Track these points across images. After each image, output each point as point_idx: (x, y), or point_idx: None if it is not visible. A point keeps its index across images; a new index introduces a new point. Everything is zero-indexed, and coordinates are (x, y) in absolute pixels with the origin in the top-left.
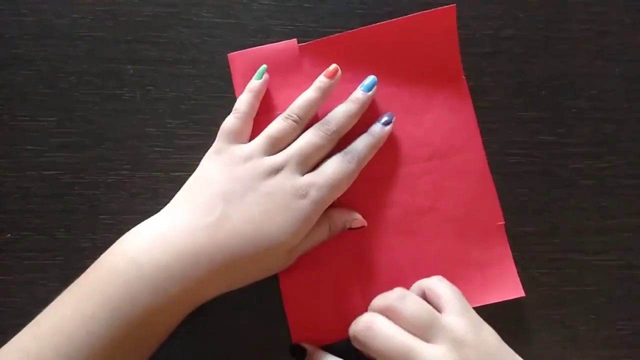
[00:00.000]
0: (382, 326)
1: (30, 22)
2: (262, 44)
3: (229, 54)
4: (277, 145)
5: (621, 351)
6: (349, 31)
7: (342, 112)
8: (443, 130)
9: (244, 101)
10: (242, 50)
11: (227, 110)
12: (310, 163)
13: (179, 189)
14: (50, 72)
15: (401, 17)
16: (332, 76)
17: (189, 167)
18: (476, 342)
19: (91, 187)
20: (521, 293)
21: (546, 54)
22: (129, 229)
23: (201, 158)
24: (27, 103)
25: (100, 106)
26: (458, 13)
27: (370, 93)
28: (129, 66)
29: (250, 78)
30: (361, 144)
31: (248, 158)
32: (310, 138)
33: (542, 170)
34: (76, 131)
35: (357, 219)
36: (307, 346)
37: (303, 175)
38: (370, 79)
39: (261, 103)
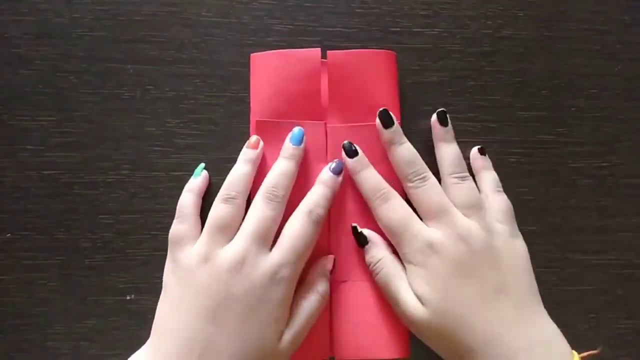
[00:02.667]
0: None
1: (30, 22)
2: (262, 44)
3: (251, 54)
4: (227, 232)
5: (621, 351)
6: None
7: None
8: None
9: (185, 203)
10: (264, 52)
11: (227, 109)
12: (271, 236)
13: (179, 188)
14: (50, 71)
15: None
16: (255, 147)
17: (189, 167)
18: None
19: (91, 187)
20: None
21: (546, 53)
22: (129, 228)
23: (201, 157)
24: (27, 103)
25: (100, 106)
26: (458, 12)
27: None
28: (129, 65)
29: (269, 80)
30: (319, 197)
31: (204, 259)
32: (262, 212)
33: (541, 170)
34: (76, 131)
35: (329, 259)
36: (369, 234)
37: (269, 250)
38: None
39: (275, 109)
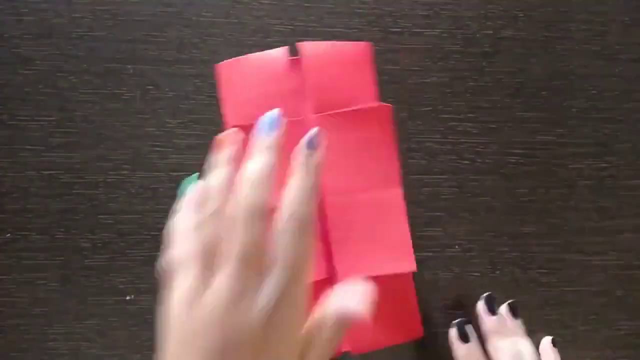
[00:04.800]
0: None
1: (30, 22)
2: (262, 44)
3: (215, 65)
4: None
5: (621, 351)
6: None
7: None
8: (365, 163)
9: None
10: (228, 60)
11: None
12: (262, 256)
13: (179, 188)
14: (50, 71)
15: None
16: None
17: (189, 167)
18: None
19: (91, 187)
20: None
21: (546, 54)
22: (129, 228)
23: (201, 158)
24: (27, 103)
25: (99, 106)
26: (459, 13)
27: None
28: (129, 66)
29: (238, 87)
30: (299, 192)
31: (192, 296)
32: (245, 237)
33: (541, 171)
34: (76, 131)
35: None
36: None
37: (263, 272)
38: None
39: (249, 115)
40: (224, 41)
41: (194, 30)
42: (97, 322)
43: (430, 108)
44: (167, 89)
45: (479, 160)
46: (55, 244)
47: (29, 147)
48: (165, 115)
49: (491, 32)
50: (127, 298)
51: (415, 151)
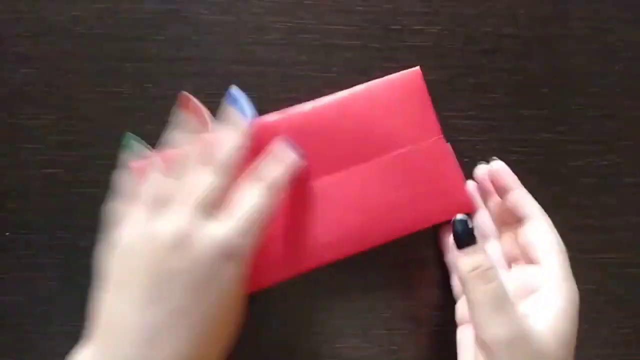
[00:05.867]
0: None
1: (29, 20)
2: (262, 42)
3: None
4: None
5: (621, 350)
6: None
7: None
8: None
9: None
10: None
11: None
12: (216, 206)
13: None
14: (50, 70)
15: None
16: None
17: None
18: None
19: (90, 185)
20: (469, 208)
21: (546, 52)
22: None
23: None
24: (27, 101)
25: (99, 104)
26: (459, 10)
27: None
28: (128, 64)
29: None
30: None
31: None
32: (200, 178)
33: (542, 168)
34: (75, 129)
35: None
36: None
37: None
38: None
39: None
40: (223, 39)
41: (193, 29)
42: None
43: None
44: (166, 87)
45: (479, 158)
46: (55, 243)
47: (29, 145)
48: (164, 114)
49: (491, 29)
50: None
51: None
